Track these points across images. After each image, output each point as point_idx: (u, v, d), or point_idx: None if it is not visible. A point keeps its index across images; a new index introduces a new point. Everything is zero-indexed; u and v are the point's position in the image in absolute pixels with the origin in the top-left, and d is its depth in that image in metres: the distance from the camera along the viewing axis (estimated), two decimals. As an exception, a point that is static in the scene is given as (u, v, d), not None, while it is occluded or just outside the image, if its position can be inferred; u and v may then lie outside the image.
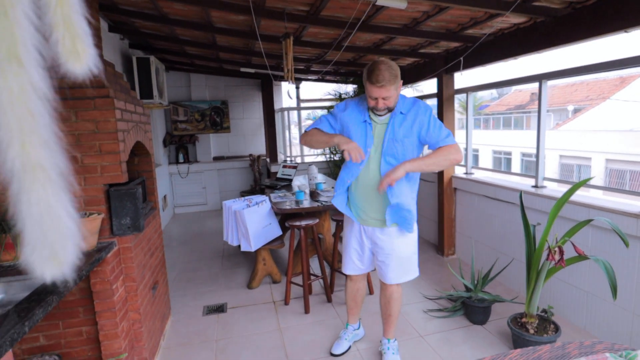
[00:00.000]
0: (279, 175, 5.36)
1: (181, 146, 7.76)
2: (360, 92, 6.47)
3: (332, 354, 2.84)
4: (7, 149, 0.63)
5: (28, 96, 0.63)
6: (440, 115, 4.46)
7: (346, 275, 2.84)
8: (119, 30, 4.81)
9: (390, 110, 2.36)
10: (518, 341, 2.73)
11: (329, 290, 3.67)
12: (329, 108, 7.47)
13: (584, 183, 2.63)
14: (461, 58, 3.76)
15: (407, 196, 2.45)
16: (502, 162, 21.77)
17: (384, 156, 2.40)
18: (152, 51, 5.86)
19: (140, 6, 3.76)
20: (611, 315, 2.83)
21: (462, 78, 4.34)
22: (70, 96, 2.28)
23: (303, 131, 2.40)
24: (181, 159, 7.72)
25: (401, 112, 2.39)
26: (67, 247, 0.71)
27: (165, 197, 7.04)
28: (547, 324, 2.75)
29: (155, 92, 5.36)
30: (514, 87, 23.17)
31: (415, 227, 2.55)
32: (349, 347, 2.90)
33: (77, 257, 0.73)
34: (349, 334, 2.93)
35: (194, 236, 6.12)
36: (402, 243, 2.52)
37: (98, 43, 2.89)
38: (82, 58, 0.67)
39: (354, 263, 2.68)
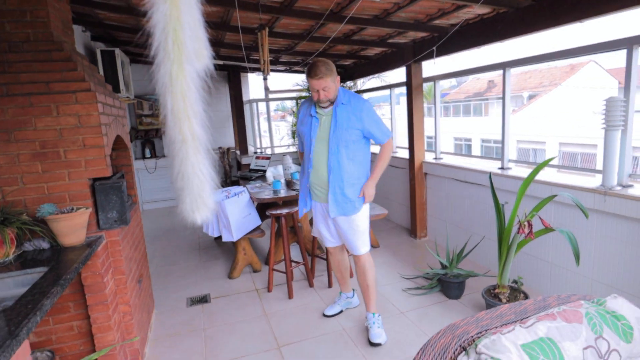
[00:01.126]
0: (252, 167, 5.40)
1: (147, 141, 7.61)
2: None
3: (324, 315, 3.24)
4: (182, 125, 0.91)
5: (196, 86, 0.88)
6: (410, 104, 4.63)
7: (327, 251, 3.24)
8: (80, 22, 4.67)
9: (331, 102, 2.74)
10: (492, 311, 2.95)
11: (310, 275, 3.78)
12: (297, 99, 7.54)
13: (548, 162, 2.86)
14: (434, 48, 3.92)
15: (352, 192, 2.80)
16: (463, 148, 22.54)
17: (330, 142, 2.74)
18: (115, 43, 5.71)
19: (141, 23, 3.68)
20: (572, 282, 3.11)
21: (428, 67, 4.52)
22: (50, 90, 2.26)
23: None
24: (148, 154, 7.58)
25: (342, 103, 2.75)
26: (212, 197, 0.99)
27: (134, 193, 6.91)
28: (517, 293, 2.98)
29: (122, 86, 5.25)
30: (472, 76, 23.94)
31: (362, 206, 2.85)
32: (341, 311, 3.28)
33: (215, 207, 1.00)
34: (342, 300, 3.30)
35: (166, 231, 6.07)
36: (356, 219, 2.83)
37: (71, 35, 2.86)
38: (204, 58, 0.96)
39: (325, 237, 3.06)
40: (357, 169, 2.78)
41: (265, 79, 7.32)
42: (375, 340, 2.82)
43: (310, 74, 2.65)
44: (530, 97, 20.56)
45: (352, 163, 2.75)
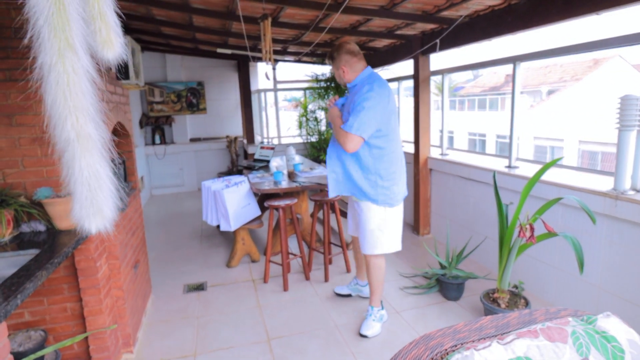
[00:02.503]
0: (256, 157, 5.37)
1: (157, 127, 7.65)
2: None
3: (334, 292, 3.44)
4: (65, 122, 0.77)
5: (81, 79, 0.76)
6: (417, 97, 4.54)
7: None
8: (118, 15, 4.67)
9: (354, 84, 2.76)
10: (490, 315, 2.88)
11: (307, 268, 3.75)
12: (305, 89, 7.46)
13: (554, 163, 2.75)
14: (437, 40, 3.82)
15: (354, 170, 2.74)
16: (477, 144, 22.18)
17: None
18: (127, 31, 5.70)
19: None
20: (579, 289, 2.98)
21: (438, 60, 4.42)
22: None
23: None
24: (157, 141, 7.62)
25: (354, 86, 2.75)
26: (109, 204, 0.87)
27: (142, 178, 6.96)
28: (517, 299, 2.90)
29: (131, 73, 5.23)
30: (489, 69, 23.48)
31: (377, 207, 2.76)
32: (349, 294, 3.39)
33: (116, 214, 0.88)
34: (352, 285, 3.39)
35: (171, 217, 6.11)
36: (367, 217, 2.79)
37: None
38: (115, 46, 0.80)
39: (350, 224, 3.16)
40: (359, 160, 2.70)
41: (274, 68, 7.28)
42: (362, 332, 2.85)
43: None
44: (550, 93, 20.05)
45: (349, 155, 2.70)
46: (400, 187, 2.83)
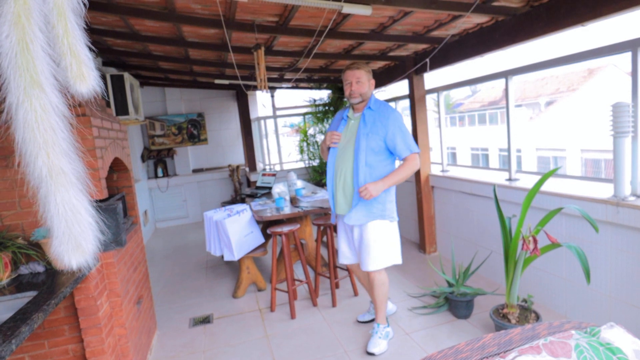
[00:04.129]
0: (258, 184, 5.38)
1: (160, 160, 7.71)
2: (334, 97, 6.55)
3: (357, 320, 3.34)
4: (36, 159, 0.77)
5: (50, 115, 0.77)
6: (413, 116, 4.56)
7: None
8: (90, 49, 4.78)
9: (363, 100, 2.76)
10: (501, 332, 2.81)
11: (313, 294, 3.70)
12: (304, 114, 7.53)
13: (552, 173, 2.74)
14: (427, 60, 3.87)
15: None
16: (480, 159, 22.16)
17: (356, 145, 2.72)
18: (126, 68, 5.84)
19: (112, 25, 3.77)
20: (589, 299, 2.92)
21: (434, 78, 4.47)
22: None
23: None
24: (160, 174, 7.67)
25: (370, 108, 2.76)
26: (88, 238, 0.87)
27: (146, 212, 6.98)
28: (527, 313, 2.83)
29: (130, 108, 5.33)
30: (487, 84, 23.66)
31: (382, 221, 2.80)
32: (373, 319, 3.27)
33: (97, 247, 0.85)
34: (372, 309, 3.32)
35: (176, 249, 6.09)
36: (366, 231, 2.79)
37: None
38: (87, 80, 0.82)
39: (343, 253, 3.03)
40: (373, 179, 2.72)
41: (272, 96, 7.37)
42: (369, 349, 2.83)
43: (348, 67, 2.75)
44: (548, 104, 20.14)
45: (370, 171, 2.70)
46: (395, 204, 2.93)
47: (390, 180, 2.69)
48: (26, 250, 2.21)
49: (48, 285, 2.01)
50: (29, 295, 1.96)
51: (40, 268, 2.25)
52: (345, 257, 3.03)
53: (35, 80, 0.73)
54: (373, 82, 2.79)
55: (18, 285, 2.06)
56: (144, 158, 7.46)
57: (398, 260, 2.90)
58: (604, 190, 2.86)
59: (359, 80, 2.71)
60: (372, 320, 3.27)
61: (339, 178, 2.84)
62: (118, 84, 5.21)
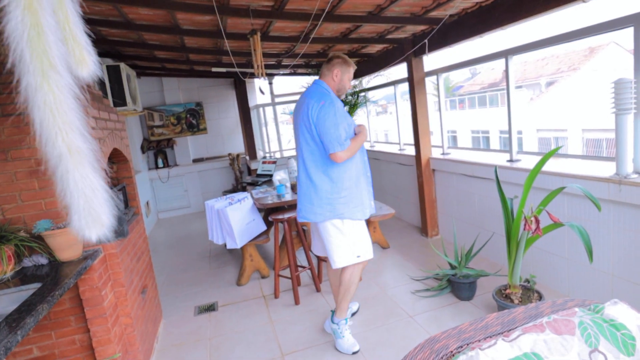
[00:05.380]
0: (259, 172, 5.37)
1: (159, 151, 7.69)
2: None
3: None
4: (55, 139, 0.81)
5: (67, 96, 0.81)
6: (413, 99, 4.52)
7: None
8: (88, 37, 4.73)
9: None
10: (503, 311, 2.82)
11: (317, 280, 3.72)
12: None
13: (553, 153, 2.71)
14: (426, 40, 3.82)
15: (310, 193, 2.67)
16: (481, 141, 22.08)
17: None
18: (122, 58, 5.78)
19: (106, 14, 3.72)
20: (591, 278, 2.93)
21: (434, 60, 4.42)
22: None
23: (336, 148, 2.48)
24: (160, 164, 7.66)
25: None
26: (106, 212, 0.91)
27: (148, 203, 6.99)
28: (530, 293, 2.84)
29: (128, 99, 5.29)
30: (486, 66, 23.44)
31: (326, 223, 2.67)
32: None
33: (113, 221, 0.93)
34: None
35: (179, 239, 6.11)
36: (323, 231, 2.70)
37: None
38: (88, 64, 0.87)
39: (315, 244, 2.99)
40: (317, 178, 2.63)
41: (270, 83, 7.32)
42: (342, 351, 2.76)
43: (351, 64, 2.78)
44: (549, 84, 19.96)
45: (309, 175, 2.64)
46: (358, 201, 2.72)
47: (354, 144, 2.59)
48: (29, 243, 2.21)
49: (52, 277, 2.02)
50: (33, 287, 1.97)
51: (43, 260, 2.26)
52: (316, 248, 3.00)
53: (52, 63, 0.76)
54: (336, 72, 2.72)
55: (22, 277, 2.07)
56: (143, 149, 7.45)
57: (365, 256, 2.72)
58: (606, 169, 2.84)
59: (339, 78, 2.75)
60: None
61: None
62: (114, 75, 5.17)
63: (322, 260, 3.89)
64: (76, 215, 0.87)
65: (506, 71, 3.52)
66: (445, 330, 1.19)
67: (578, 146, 16.55)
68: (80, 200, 0.85)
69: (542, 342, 1.03)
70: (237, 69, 4.94)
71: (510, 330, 1.15)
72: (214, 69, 5.72)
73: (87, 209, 0.86)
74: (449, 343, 1.11)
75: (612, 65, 17.88)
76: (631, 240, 2.62)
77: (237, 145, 8.22)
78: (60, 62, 0.79)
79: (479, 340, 1.11)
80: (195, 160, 7.95)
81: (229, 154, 7.65)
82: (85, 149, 0.85)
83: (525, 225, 2.60)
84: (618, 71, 16.95)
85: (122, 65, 5.20)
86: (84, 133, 0.86)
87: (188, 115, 7.76)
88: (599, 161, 3.14)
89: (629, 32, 2.57)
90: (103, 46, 5.22)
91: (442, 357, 1.06)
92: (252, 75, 6.55)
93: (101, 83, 5.19)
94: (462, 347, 1.10)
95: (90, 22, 3.82)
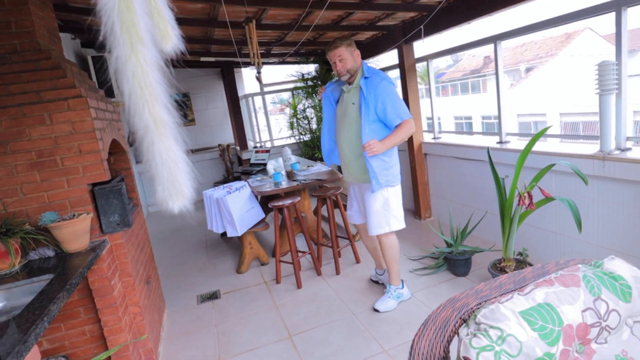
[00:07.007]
0: (252, 161, 5.40)
1: (147, 144, 7.63)
2: (322, 71, 6.54)
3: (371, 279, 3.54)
4: (142, 111, 0.84)
5: (152, 69, 0.83)
6: (404, 85, 4.60)
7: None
8: (69, 30, 4.66)
9: (352, 74, 2.82)
10: (499, 285, 2.96)
11: (317, 264, 3.80)
12: (292, 90, 7.50)
13: (544, 132, 2.85)
14: (421, 26, 3.89)
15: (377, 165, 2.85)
16: (464, 127, 22.40)
17: (361, 113, 2.75)
18: (103, 48, 5.70)
19: (89, 2, 3.67)
20: (578, 249, 3.11)
21: (421, 47, 4.49)
22: (42, 99, 2.26)
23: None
24: (149, 157, 7.60)
25: (365, 77, 2.77)
26: (188, 185, 0.95)
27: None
28: (523, 265, 2.99)
29: (115, 91, 5.25)
30: (468, 53, 23.69)
31: (382, 189, 2.88)
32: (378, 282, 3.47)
33: (194, 193, 0.97)
34: (376, 275, 3.46)
35: (173, 232, 6.11)
36: (373, 199, 2.90)
37: (58, 42, 2.85)
38: (172, 38, 0.89)
39: (350, 215, 3.23)
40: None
41: (259, 72, 7.30)
42: (375, 306, 3.02)
43: (328, 48, 2.81)
44: (528, 70, 20.34)
45: (372, 137, 2.75)
46: (398, 167, 2.97)
47: (387, 144, 2.74)
48: (35, 236, 2.20)
49: (62, 268, 2.04)
50: (45, 278, 1.98)
51: (50, 252, 2.26)
52: (355, 217, 3.20)
53: (140, 36, 0.78)
54: (357, 52, 2.82)
55: (29, 270, 2.07)
56: (131, 142, 7.38)
57: (401, 224, 3.00)
58: (587, 148, 3.02)
59: (341, 58, 2.76)
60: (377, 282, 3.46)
61: (341, 149, 2.97)
62: (100, 66, 5.11)
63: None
64: (160, 187, 0.90)
65: (495, 56, 3.62)
66: (463, 291, 1.28)
67: (556, 129, 16.97)
68: (164, 172, 0.88)
69: (552, 294, 1.13)
70: (231, 58, 4.93)
71: (522, 286, 1.24)
72: (203, 59, 5.70)
73: (171, 181, 0.89)
74: (469, 301, 1.20)
75: (587, 50, 18.37)
76: (614, 211, 2.79)
77: (227, 136, 8.21)
78: (147, 36, 0.81)
79: (496, 297, 1.21)
80: (184, 153, 7.91)
81: (219, 145, 7.64)
82: (169, 121, 0.88)
83: (519, 200, 2.72)
84: (594, 56, 17.39)
85: (108, 56, 5.14)
86: (168, 106, 0.88)
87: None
88: (579, 142, 3.32)
89: (605, 18, 2.70)
90: (87, 36, 5.13)
91: (464, 313, 1.15)
92: (246, 65, 6.55)
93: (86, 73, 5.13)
94: (480, 304, 1.19)
95: (72, 10, 3.76)
